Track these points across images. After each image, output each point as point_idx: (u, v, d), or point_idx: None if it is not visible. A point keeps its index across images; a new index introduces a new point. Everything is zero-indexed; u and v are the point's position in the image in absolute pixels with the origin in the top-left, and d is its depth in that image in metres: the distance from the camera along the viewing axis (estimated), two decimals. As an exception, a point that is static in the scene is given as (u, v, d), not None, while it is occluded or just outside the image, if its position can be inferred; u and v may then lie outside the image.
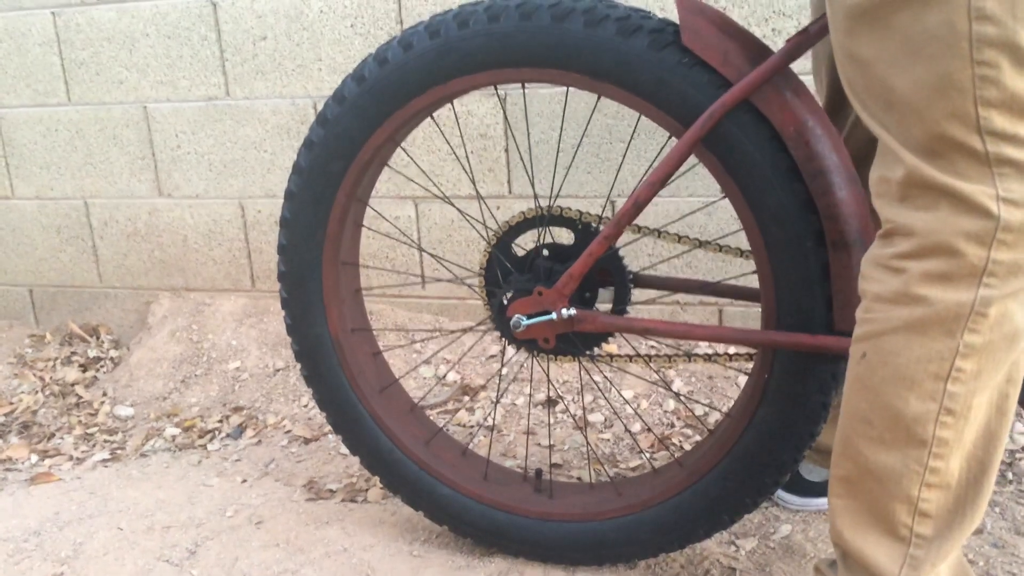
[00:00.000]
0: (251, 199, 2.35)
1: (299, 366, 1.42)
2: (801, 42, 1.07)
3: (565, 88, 2.00)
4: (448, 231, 2.21)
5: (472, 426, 1.89)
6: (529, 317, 1.27)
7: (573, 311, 1.24)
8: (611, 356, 1.36)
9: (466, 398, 2.00)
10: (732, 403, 1.85)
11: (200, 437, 2.02)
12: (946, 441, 0.87)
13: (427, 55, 1.21)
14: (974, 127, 0.80)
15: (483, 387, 2.02)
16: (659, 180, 1.14)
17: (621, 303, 1.30)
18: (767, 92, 1.07)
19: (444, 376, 2.07)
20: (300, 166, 1.32)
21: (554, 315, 1.25)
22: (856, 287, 1.08)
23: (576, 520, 1.34)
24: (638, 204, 1.16)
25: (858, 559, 0.94)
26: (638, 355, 1.35)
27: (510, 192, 2.14)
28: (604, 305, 1.31)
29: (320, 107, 2.22)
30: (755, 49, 1.10)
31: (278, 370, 2.20)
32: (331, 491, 1.69)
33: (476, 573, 1.36)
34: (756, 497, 1.24)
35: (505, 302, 1.30)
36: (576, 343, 1.30)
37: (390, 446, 1.40)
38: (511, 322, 1.27)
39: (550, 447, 1.73)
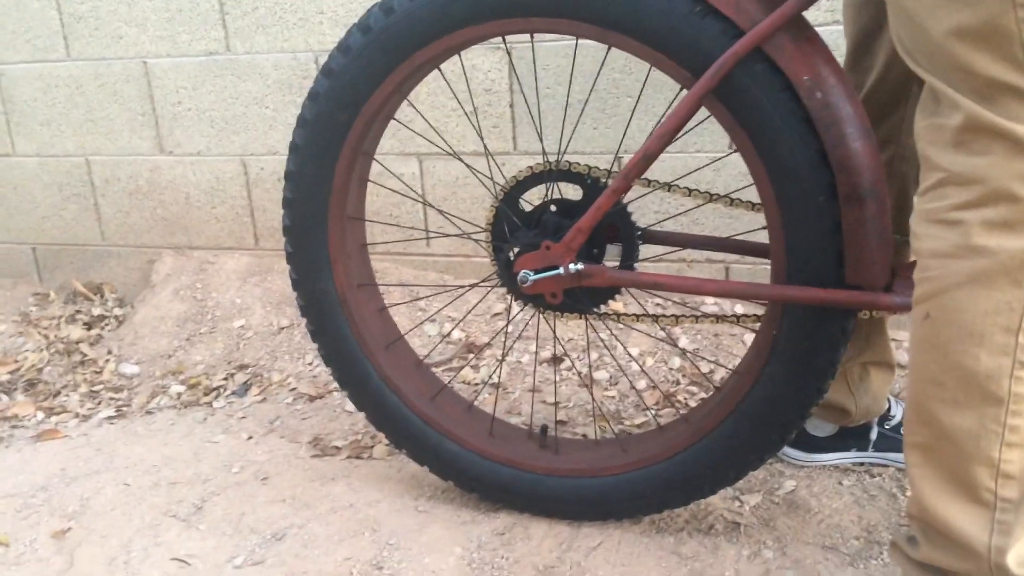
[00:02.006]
0: (253, 156, 2.32)
1: (304, 322, 1.42)
2: None
3: (573, 40, 1.96)
4: (453, 188, 2.19)
5: (477, 383, 1.89)
6: (536, 272, 1.25)
7: (581, 266, 1.23)
8: (617, 314, 1.34)
9: (471, 356, 1.99)
10: (739, 360, 1.85)
11: (205, 395, 2.02)
12: (1023, 397, 0.84)
13: (434, 4, 1.18)
14: (1023, 69, 0.78)
15: (488, 345, 2.02)
16: (669, 132, 1.12)
17: (629, 259, 1.29)
18: (780, 41, 1.05)
19: (449, 334, 2.07)
20: (305, 118, 1.29)
21: (561, 270, 1.23)
22: (869, 241, 1.06)
23: (581, 476, 1.34)
24: (648, 156, 1.14)
25: (943, 530, 0.90)
26: (646, 314, 1.34)
27: (515, 148, 2.11)
28: (612, 262, 1.29)
29: (323, 61, 2.19)
30: None
31: (283, 328, 2.19)
32: (337, 448, 1.69)
33: (481, 528, 1.36)
34: (762, 455, 1.23)
35: (512, 257, 1.29)
36: (583, 299, 1.29)
37: (395, 401, 1.40)
38: (518, 277, 1.26)
39: (555, 404, 1.73)
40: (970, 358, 0.84)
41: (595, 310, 1.31)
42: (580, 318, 1.32)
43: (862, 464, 1.48)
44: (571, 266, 1.23)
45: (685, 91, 1.11)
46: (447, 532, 1.36)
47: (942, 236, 0.85)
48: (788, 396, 1.18)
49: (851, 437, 1.47)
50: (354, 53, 1.24)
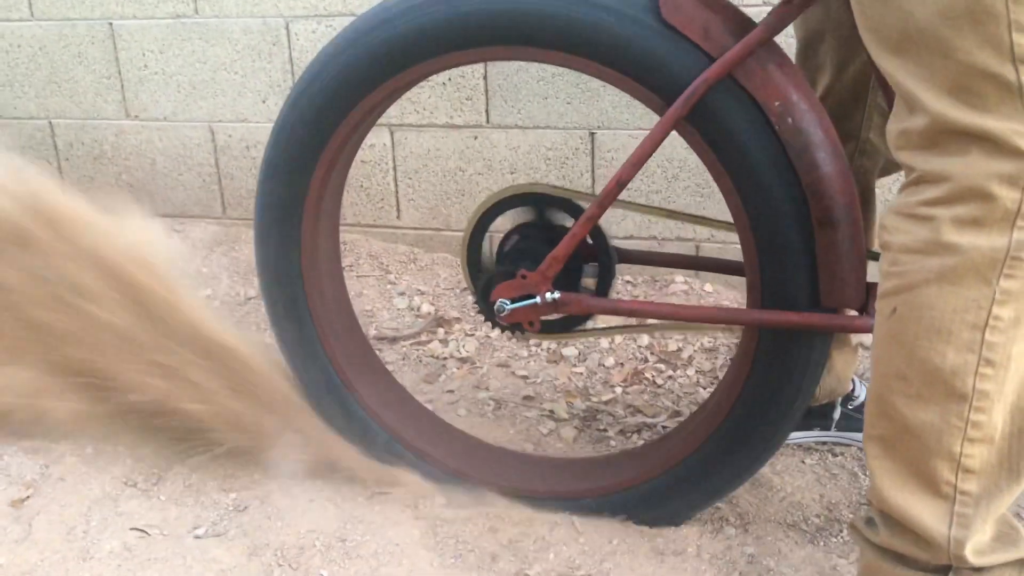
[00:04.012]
0: (221, 123, 2.28)
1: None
2: (784, 14, 1.04)
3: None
4: (424, 160, 2.17)
5: (445, 358, 1.89)
6: (513, 301, 1.23)
7: (557, 294, 1.21)
8: (607, 328, 1.34)
9: (440, 330, 1.98)
10: (707, 340, 1.86)
11: (169, 364, 1.99)
12: (987, 393, 0.84)
13: (388, 42, 1.16)
14: (1008, 55, 0.76)
15: (458, 319, 2.01)
16: (642, 159, 1.12)
17: (606, 280, 1.29)
18: (750, 67, 1.04)
19: (419, 308, 2.06)
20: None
21: (538, 298, 1.22)
22: (843, 264, 1.06)
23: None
24: (621, 183, 1.14)
25: (902, 520, 0.91)
26: (628, 327, 1.33)
27: (488, 122, 2.09)
28: (590, 278, 1.29)
29: (293, 27, 2.15)
30: (737, 22, 1.07)
31: (250, 298, 2.17)
32: (302, 419, 1.68)
33: (444, 501, 1.36)
34: (738, 480, 1.24)
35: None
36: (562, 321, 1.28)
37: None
38: (495, 307, 1.24)
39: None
40: (936, 354, 0.85)
41: (576, 329, 1.30)
42: (562, 336, 1.32)
43: (824, 443, 1.50)
44: (547, 295, 1.21)
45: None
46: (410, 505, 1.35)
47: (913, 231, 0.84)
48: (770, 413, 1.17)
49: (814, 416, 1.48)
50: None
